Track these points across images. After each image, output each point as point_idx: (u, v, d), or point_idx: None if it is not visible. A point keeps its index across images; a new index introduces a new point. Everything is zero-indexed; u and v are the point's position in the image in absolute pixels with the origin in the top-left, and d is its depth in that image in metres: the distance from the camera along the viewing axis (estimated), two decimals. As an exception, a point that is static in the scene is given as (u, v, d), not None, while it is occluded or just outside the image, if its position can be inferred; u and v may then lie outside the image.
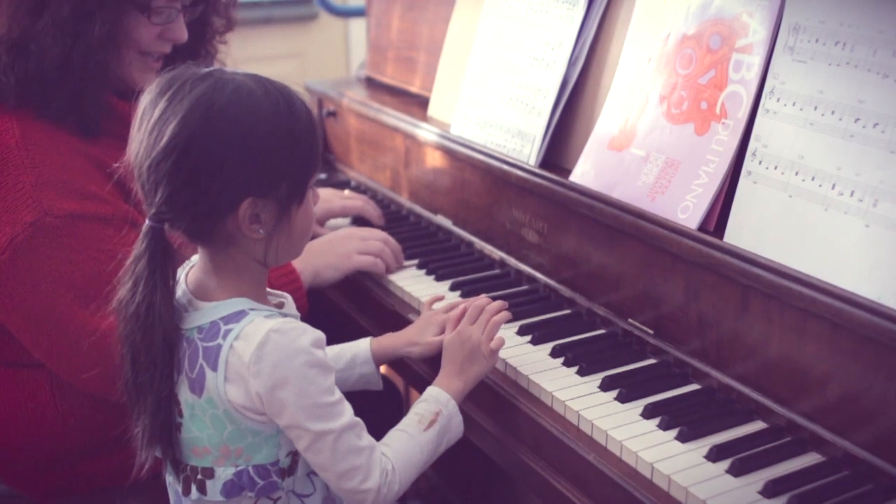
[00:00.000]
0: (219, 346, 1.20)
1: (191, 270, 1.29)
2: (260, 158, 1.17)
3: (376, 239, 1.79)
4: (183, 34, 1.58)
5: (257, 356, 1.17)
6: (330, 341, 1.50)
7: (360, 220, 2.03)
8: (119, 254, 1.32)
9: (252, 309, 1.22)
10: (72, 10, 1.44)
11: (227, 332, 1.20)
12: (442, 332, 1.48)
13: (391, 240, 1.82)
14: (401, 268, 1.81)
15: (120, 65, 1.53)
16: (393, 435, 1.31)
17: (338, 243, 1.77)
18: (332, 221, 2.04)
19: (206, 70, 1.20)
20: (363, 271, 1.78)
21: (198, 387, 1.22)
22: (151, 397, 1.22)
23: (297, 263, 1.67)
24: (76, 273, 1.44)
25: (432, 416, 1.33)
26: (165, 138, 1.14)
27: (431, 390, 1.37)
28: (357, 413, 1.27)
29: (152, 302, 1.19)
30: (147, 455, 1.25)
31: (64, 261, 1.43)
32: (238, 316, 1.21)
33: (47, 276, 1.43)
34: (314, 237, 1.80)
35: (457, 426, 1.36)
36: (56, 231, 1.43)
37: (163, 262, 1.20)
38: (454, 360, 1.41)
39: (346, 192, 2.13)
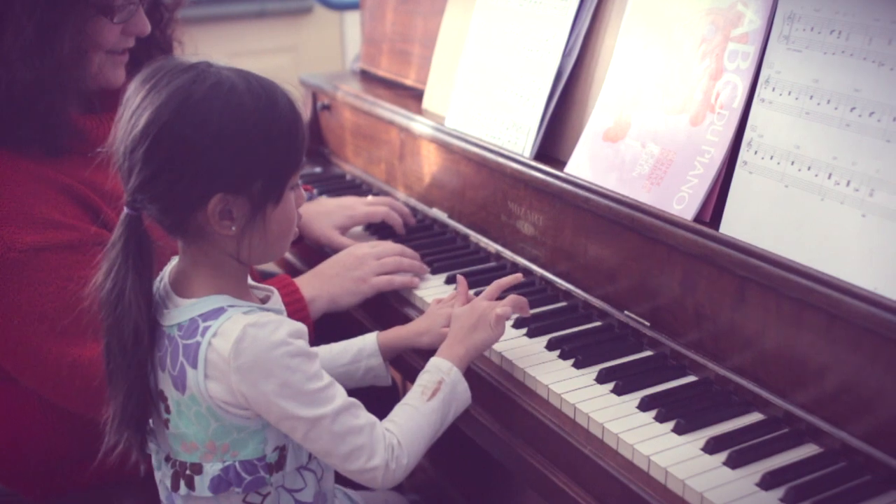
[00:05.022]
0: (197, 344, 1.19)
1: (173, 266, 1.29)
2: (233, 154, 1.16)
3: (392, 254, 1.72)
4: (146, 26, 1.55)
5: (236, 352, 1.17)
6: (328, 339, 1.49)
7: (376, 225, 1.97)
8: (90, 279, 1.31)
9: (231, 306, 1.22)
10: (36, 28, 1.38)
11: (206, 329, 1.19)
12: (449, 323, 1.48)
13: (407, 249, 1.76)
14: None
15: (90, 71, 1.50)
16: (397, 410, 1.31)
17: (353, 266, 1.69)
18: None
19: (192, 62, 1.19)
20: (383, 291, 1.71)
21: (180, 384, 1.21)
22: (123, 384, 1.22)
23: (312, 290, 1.63)
24: (47, 305, 1.41)
25: (435, 385, 1.32)
26: (140, 126, 1.14)
27: (433, 360, 1.36)
28: None
29: (123, 289, 1.19)
30: (114, 440, 1.25)
31: (33, 294, 1.41)
32: (216, 313, 1.20)
33: (18, 311, 1.41)
34: (336, 250, 1.77)
35: (463, 392, 1.35)
36: (21, 265, 1.40)
37: (137, 251, 1.20)
38: (460, 328, 1.41)
39: (370, 198, 2.03)
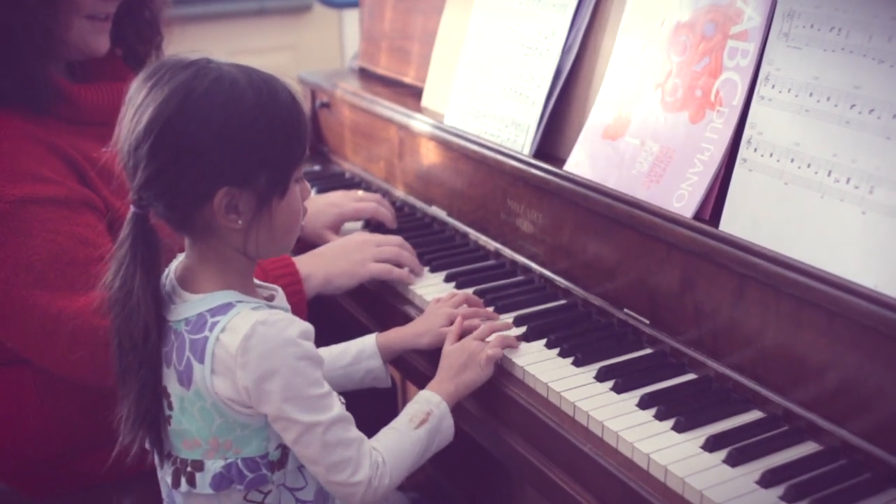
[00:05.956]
0: (205, 339, 1.19)
1: (180, 262, 1.29)
2: (237, 148, 1.17)
3: (392, 245, 1.73)
4: None
5: (244, 348, 1.17)
6: (329, 339, 1.49)
7: (371, 222, 1.98)
8: (78, 234, 1.31)
9: (239, 301, 1.22)
10: None
11: (214, 324, 1.20)
12: (449, 322, 1.49)
13: (406, 244, 1.76)
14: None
15: (69, 33, 1.52)
16: (384, 432, 1.31)
17: (352, 250, 1.70)
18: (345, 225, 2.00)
19: (192, 59, 1.20)
20: (378, 279, 1.71)
21: (186, 379, 1.21)
22: (135, 383, 1.23)
23: (307, 268, 1.63)
24: (33, 257, 1.43)
25: (423, 415, 1.32)
26: (143, 123, 1.15)
27: (423, 393, 1.37)
28: (351, 405, 1.27)
29: (132, 287, 1.20)
30: (129, 439, 1.25)
31: (20, 245, 1.42)
32: (225, 308, 1.21)
33: (5, 263, 1.42)
34: (325, 243, 1.77)
35: (447, 428, 1.35)
36: (9, 217, 1.42)
37: (144, 250, 1.21)
38: (450, 366, 1.41)
39: (360, 192, 2.03)
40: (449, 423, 1.35)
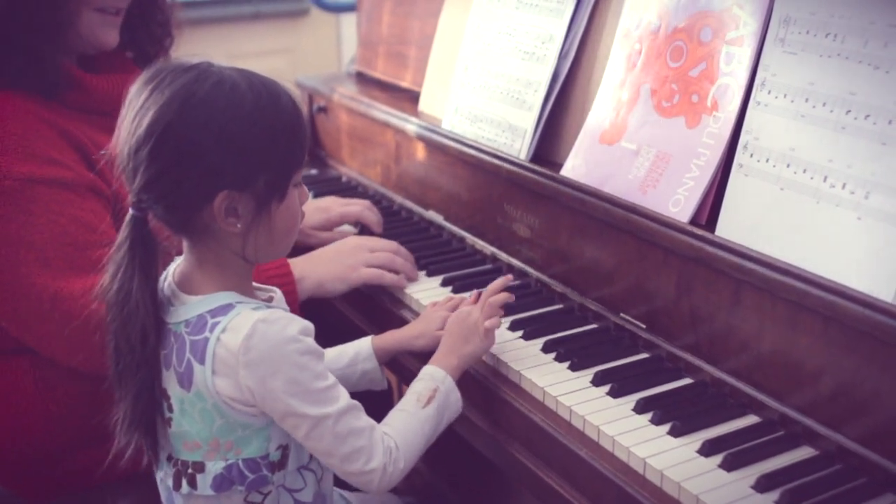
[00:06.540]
0: (206, 340, 1.20)
1: (178, 265, 1.29)
2: (237, 151, 1.18)
3: (385, 250, 1.74)
4: None
5: (245, 347, 1.17)
6: (325, 343, 1.49)
7: (358, 225, 1.98)
8: (81, 218, 1.31)
9: (239, 302, 1.23)
10: None
11: (215, 324, 1.20)
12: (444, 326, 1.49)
13: (402, 249, 1.76)
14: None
15: (79, 25, 1.54)
16: (393, 415, 1.31)
17: (346, 254, 1.72)
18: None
19: (193, 62, 1.20)
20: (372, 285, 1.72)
21: (186, 381, 1.22)
22: (132, 386, 1.23)
23: (301, 271, 1.64)
24: (36, 236, 1.44)
25: (430, 392, 1.33)
26: (144, 126, 1.16)
27: (427, 368, 1.37)
28: None
29: (130, 290, 1.21)
30: (126, 441, 1.26)
31: (24, 224, 1.44)
32: (225, 309, 1.21)
33: (7, 240, 1.44)
34: (319, 245, 1.78)
35: (455, 402, 1.36)
36: (15, 194, 1.44)
37: (143, 252, 1.21)
38: (451, 339, 1.42)
39: (353, 200, 2.01)
40: (456, 397, 1.36)
